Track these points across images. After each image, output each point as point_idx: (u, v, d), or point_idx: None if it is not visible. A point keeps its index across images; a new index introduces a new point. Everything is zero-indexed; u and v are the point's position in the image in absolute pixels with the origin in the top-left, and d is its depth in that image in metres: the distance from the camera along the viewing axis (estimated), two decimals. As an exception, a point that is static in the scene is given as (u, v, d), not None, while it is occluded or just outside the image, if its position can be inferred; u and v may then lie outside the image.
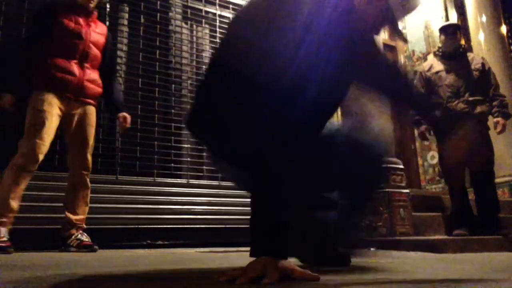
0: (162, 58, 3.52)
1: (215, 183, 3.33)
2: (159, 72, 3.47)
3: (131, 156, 3.12)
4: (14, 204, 2.18)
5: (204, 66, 3.70)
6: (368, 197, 1.51)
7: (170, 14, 3.65)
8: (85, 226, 2.42)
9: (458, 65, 3.23)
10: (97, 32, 2.56)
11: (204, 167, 3.42)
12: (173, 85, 3.52)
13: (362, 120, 2.79)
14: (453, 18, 4.87)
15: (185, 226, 3.07)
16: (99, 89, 2.54)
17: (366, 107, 2.85)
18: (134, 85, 3.29)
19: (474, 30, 4.76)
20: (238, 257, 2.03)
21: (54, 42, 2.40)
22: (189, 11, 3.75)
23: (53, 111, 2.33)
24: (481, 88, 3.18)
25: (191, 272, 1.32)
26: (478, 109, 3.12)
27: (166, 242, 2.95)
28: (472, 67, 3.23)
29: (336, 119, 2.62)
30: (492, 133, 3.20)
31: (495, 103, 3.15)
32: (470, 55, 3.40)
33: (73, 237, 2.34)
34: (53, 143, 2.42)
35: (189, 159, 3.38)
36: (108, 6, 3.21)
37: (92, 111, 2.53)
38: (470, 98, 3.12)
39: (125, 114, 2.64)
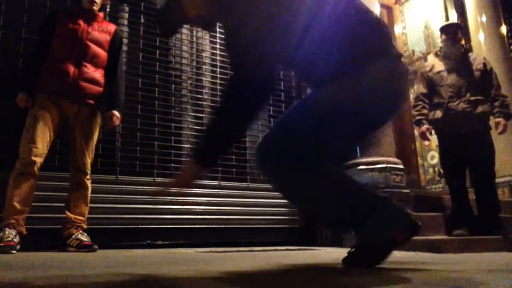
0: (162, 58, 3.52)
1: (214, 183, 3.32)
2: (159, 72, 3.47)
3: (131, 156, 3.12)
4: (18, 205, 2.21)
5: (204, 66, 3.70)
6: None
7: (170, 14, 3.63)
8: (85, 226, 2.42)
9: (459, 65, 3.23)
10: (99, 31, 2.55)
11: (204, 167, 3.40)
12: (173, 85, 3.52)
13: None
14: (453, 18, 4.85)
15: (185, 226, 3.07)
16: (98, 88, 2.50)
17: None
18: (134, 85, 3.29)
19: (474, 30, 4.75)
20: (238, 257, 2.03)
21: (53, 45, 2.43)
22: (189, 11, 3.74)
23: (46, 113, 2.35)
24: (482, 88, 3.17)
25: (191, 272, 1.32)
26: (479, 109, 3.11)
27: (166, 242, 2.95)
28: (474, 67, 3.22)
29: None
30: (493, 133, 3.20)
31: (496, 103, 3.14)
32: (472, 55, 3.39)
33: (73, 237, 2.34)
34: (53, 143, 2.44)
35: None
36: (108, 6, 3.20)
37: (91, 111, 2.50)
38: (472, 98, 3.12)
39: (115, 112, 2.55)
